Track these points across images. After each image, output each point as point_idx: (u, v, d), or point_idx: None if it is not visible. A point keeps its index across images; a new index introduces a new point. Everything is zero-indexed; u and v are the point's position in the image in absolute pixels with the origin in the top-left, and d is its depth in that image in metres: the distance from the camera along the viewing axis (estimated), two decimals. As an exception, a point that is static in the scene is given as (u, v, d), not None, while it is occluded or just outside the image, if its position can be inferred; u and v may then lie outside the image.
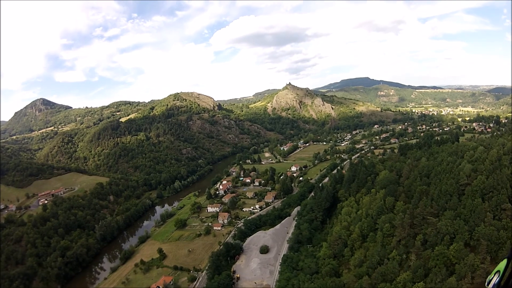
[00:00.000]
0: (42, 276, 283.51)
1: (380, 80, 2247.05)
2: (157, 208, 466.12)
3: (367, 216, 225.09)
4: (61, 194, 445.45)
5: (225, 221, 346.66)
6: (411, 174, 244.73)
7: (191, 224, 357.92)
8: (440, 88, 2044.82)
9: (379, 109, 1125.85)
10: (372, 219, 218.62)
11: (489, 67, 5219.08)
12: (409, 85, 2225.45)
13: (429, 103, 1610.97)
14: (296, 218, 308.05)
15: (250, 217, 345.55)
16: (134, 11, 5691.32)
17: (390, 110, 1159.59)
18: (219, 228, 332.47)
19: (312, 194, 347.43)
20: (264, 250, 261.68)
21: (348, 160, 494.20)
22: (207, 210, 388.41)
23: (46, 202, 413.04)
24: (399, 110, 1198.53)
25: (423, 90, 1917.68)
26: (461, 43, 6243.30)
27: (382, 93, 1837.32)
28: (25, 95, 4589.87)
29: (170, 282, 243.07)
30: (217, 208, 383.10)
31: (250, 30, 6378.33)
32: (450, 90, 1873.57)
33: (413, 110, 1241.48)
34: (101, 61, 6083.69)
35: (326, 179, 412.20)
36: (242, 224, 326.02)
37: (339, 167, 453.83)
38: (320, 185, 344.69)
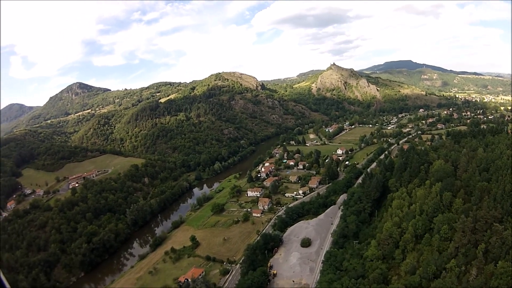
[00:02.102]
0: (65, 263, 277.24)
1: (423, 64, 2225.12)
2: (195, 190, 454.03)
3: (422, 213, 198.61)
4: (93, 177, 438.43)
5: (265, 207, 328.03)
6: (469, 167, 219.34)
7: (229, 209, 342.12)
8: (481, 74, 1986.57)
9: (423, 93, 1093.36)
10: (427, 217, 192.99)
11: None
12: (451, 70, 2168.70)
13: (471, 89, 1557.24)
14: (341, 207, 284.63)
15: (292, 204, 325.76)
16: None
17: (435, 94, 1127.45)
18: (259, 215, 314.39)
19: (360, 181, 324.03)
20: (306, 243, 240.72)
21: (396, 145, 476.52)
22: (247, 194, 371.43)
23: (76, 185, 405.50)
24: (443, 95, 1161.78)
25: (464, 76, 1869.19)
26: (498, 30, 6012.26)
27: (425, 76, 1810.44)
28: (61, 81, 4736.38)
29: (200, 275, 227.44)
30: (258, 193, 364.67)
31: (291, 11, 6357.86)
32: (490, 77, 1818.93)
33: (457, 96, 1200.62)
34: (141, 44, 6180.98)
35: (374, 165, 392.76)
36: (283, 212, 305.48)
37: (386, 152, 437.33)
38: (369, 172, 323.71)
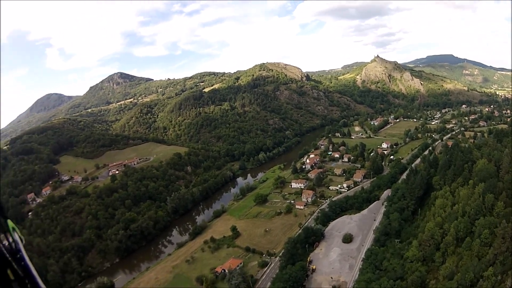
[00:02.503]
0: (100, 248, 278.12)
1: (464, 59, 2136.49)
2: (239, 180, 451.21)
3: (464, 215, 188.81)
4: (134, 164, 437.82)
5: (309, 199, 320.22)
6: (511, 168, 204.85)
7: (272, 200, 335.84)
8: None
9: (465, 88, 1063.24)
10: (469, 219, 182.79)
11: None
12: (490, 66, 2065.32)
13: (510, 86, 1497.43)
14: (385, 203, 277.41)
15: (336, 198, 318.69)
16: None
17: (476, 90, 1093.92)
18: (302, 207, 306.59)
19: (404, 177, 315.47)
20: (347, 239, 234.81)
21: (440, 141, 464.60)
22: (291, 185, 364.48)
23: (116, 172, 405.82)
24: (484, 91, 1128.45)
25: (504, 73, 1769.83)
26: None
27: (466, 72, 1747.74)
28: (102, 71, 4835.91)
29: (237, 266, 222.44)
30: (302, 184, 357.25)
31: (333, 3, 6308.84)
32: None
33: (497, 93, 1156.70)
34: (183, 35, 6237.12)
35: (418, 160, 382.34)
36: (326, 205, 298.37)
37: (430, 148, 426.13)
38: (414, 168, 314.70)
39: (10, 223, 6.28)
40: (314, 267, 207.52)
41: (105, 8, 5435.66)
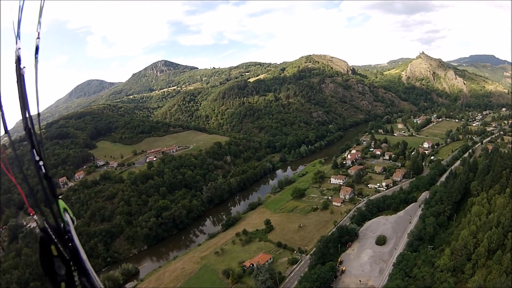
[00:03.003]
0: (128, 235, 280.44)
1: (505, 60, 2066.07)
2: (278, 172, 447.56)
3: (498, 225, 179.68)
4: (172, 152, 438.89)
5: (347, 196, 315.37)
6: None
7: (309, 195, 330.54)
8: None
9: (506, 91, 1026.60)
10: (503, 231, 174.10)
11: None
12: None
13: None
14: (422, 205, 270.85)
15: (373, 196, 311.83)
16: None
17: None
18: (339, 204, 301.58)
19: (443, 179, 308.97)
20: (381, 241, 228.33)
21: (480, 144, 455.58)
22: (330, 181, 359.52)
23: (154, 159, 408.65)
24: None
25: None
26: None
27: (507, 74, 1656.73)
28: (147, 59, 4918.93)
29: (267, 261, 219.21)
30: (341, 180, 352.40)
31: None
32: None
33: None
34: (230, 25, 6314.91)
35: (458, 163, 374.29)
36: (363, 203, 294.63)
37: (470, 151, 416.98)
38: (454, 170, 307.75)
39: (61, 203, 7.36)
40: (344, 268, 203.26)
41: None
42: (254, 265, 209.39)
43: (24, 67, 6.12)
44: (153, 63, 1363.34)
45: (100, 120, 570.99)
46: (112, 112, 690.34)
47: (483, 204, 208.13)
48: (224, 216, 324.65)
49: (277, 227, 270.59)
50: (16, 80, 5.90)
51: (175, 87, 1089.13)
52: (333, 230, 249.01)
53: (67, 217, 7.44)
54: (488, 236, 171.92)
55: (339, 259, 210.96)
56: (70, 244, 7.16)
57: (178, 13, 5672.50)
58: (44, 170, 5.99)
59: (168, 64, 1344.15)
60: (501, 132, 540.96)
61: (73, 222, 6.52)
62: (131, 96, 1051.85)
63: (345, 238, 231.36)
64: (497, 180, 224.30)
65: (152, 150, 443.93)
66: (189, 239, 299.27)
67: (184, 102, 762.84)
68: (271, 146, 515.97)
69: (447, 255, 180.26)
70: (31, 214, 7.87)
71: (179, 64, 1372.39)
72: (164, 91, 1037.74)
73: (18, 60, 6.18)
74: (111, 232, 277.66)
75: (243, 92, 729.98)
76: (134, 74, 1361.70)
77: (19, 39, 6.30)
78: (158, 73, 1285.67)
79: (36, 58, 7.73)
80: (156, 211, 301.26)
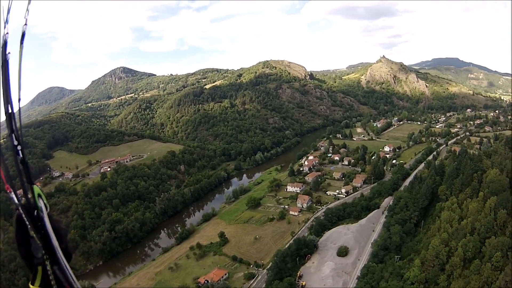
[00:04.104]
0: (83, 250, 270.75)
1: (470, 62, 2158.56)
2: (234, 181, 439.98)
3: (473, 232, 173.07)
4: (126, 161, 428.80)
5: (304, 205, 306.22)
6: None
7: (265, 205, 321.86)
8: None
9: (471, 92, 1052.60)
10: (479, 238, 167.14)
11: None
12: (495, 71, 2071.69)
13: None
14: (385, 212, 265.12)
15: (333, 204, 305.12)
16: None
17: (481, 95, 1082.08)
18: (296, 214, 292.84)
19: (406, 184, 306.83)
20: (343, 252, 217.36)
21: (445, 146, 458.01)
22: (287, 189, 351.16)
23: (108, 169, 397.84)
24: (489, 96, 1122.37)
25: (509, 78, 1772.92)
26: None
27: (472, 75, 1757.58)
28: (109, 66, 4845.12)
29: (222, 276, 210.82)
30: (298, 188, 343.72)
31: (342, 2, 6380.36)
32: None
33: (502, 98, 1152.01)
34: (191, 31, 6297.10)
35: (422, 166, 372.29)
36: (322, 212, 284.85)
37: (435, 153, 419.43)
38: (419, 175, 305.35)
39: (36, 188, 7.45)
40: (304, 283, 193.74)
41: (115, 2, 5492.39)
42: (209, 281, 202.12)
43: (9, 53, 6.61)
44: (112, 70, 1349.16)
45: (58, 129, 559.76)
46: (69, 120, 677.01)
47: (453, 209, 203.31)
48: (179, 228, 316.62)
49: (232, 239, 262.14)
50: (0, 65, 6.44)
51: (133, 94, 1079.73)
52: (291, 242, 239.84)
53: (41, 203, 7.48)
54: (463, 244, 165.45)
55: (298, 274, 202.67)
56: (43, 231, 7.23)
57: (141, 19, 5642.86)
58: (21, 155, 6.51)
59: (126, 71, 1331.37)
60: (467, 133, 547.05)
61: (46, 209, 7.46)
62: (89, 104, 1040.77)
63: (303, 250, 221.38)
64: (467, 184, 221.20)
65: (107, 160, 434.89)
66: (144, 253, 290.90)
67: (140, 110, 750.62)
68: (226, 154, 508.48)
69: (417, 266, 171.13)
70: (8, 191, 7.12)
71: (137, 71, 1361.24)
72: (121, 99, 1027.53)
73: (4, 45, 6.65)
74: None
75: (198, 99, 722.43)
76: (93, 81, 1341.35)
77: (7, 23, 6.76)
78: (116, 80, 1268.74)
79: (21, 44, 7.88)
80: (109, 225, 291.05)
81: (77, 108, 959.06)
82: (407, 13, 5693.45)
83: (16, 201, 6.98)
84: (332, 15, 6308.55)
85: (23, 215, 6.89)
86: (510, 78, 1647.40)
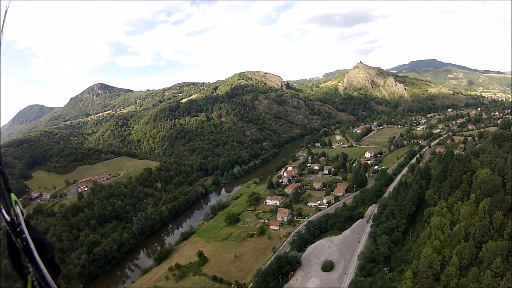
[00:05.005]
0: (63, 274, 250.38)
1: (448, 63, 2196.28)
2: (213, 195, 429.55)
3: (468, 237, 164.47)
4: (103, 180, 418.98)
5: (285, 218, 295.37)
6: None
7: (244, 220, 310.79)
8: (504, 73, 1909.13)
9: (451, 92, 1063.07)
10: (475, 243, 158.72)
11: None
12: (475, 69, 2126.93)
13: (496, 88, 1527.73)
14: (370, 221, 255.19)
15: (315, 215, 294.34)
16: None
17: (462, 94, 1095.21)
18: (277, 228, 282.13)
19: (391, 190, 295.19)
20: (328, 266, 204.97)
21: (428, 148, 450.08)
22: (266, 202, 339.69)
23: (85, 189, 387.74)
24: (470, 94, 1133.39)
25: (489, 75, 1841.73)
26: None
27: (451, 75, 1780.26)
28: (87, 82, 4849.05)
29: None
30: (278, 201, 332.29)
31: (318, 10, 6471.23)
32: None
33: (483, 95, 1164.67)
34: (167, 45, 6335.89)
35: (405, 170, 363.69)
36: (303, 226, 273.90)
37: (418, 156, 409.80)
38: (404, 180, 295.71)
39: (13, 196, 7.39)
40: None
41: (93, 17, 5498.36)
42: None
43: None
44: (90, 86, 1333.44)
45: (36, 148, 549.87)
46: (48, 139, 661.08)
47: (443, 214, 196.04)
48: (158, 247, 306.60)
49: (211, 258, 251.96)
50: None
51: (110, 111, 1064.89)
52: (272, 259, 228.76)
53: (17, 210, 7.33)
54: (458, 251, 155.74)
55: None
56: (23, 235, 7.10)
57: (119, 34, 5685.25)
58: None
59: (104, 87, 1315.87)
60: (450, 133, 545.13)
61: (22, 214, 7.22)
62: (68, 122, 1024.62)
63: (286, 268, 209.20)
64: (456, 186, 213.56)
65: (84, 180, 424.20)
66: (124, 274, 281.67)
67: (116, 127, 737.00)
68: (203, 169, 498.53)
69: (410, 278, 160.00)
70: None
71: (114, 87, 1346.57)
72: (99, 116, 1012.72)
73: None
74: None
75: (174, 114, 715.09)
76: (72, 98, 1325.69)
77: None
78: (94, 97, 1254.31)
79: None
80: (87, 247, 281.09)
81: (56, 126, 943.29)
82: (384, 18, 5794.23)
83: (5, 217, 6.09)
84: (307, 24, 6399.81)
85: (9, 231, 6.96)
86: (492, 75, 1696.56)
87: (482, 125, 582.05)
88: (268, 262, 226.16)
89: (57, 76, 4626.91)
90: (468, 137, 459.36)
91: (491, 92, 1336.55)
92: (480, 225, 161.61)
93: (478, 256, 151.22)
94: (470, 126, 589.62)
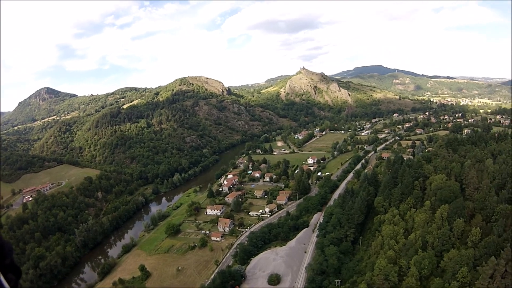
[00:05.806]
0: None
1: (394, 69, 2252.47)
2: (153, 205, 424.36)
3: (425, 246, 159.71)
4: (46, 190, 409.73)
5: (226, 229, 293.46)
6: (481, 184, 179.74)
7: (185, 231, 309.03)
8: (454, 78, 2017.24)
9: (397, 97, 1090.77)
10: (434, 252, 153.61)
11: (502, 59, 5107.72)
12: (423, 74, 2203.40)
13: (445, 93, 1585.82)
14: (316, 230, 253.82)
15: (257, 225, 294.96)
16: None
17: (408, 99, 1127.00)
18: (218, 239, 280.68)
19: (336, 197, 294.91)
20: (274, 280, 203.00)
21: (373, 153, 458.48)
22: (207, 212, 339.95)
23: (30, 199, 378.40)
24: (417, 99, 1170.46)
25: (438, 80, 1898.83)
26: (474, 34, 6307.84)
27: (397, 81, 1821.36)
28: (37, 85, 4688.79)
29: None
30: (218, 211, 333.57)
31: (263, 17, 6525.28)
32: (465, 81, 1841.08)
33: (431, 100, 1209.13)
34: (113, 49, 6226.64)
35: (350, 176, 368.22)
36: (246, 238, 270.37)
37: (363, 161, 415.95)
38: (350, 187, 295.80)
39: None
40: None
41: (44, 18, 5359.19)
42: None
43: None
44: (37, 90, 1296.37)
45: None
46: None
47: (396, 222, 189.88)
48: (102, 260, 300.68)
49: (154, 272, 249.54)
50: None
51: (55, 116, 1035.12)
52: (215, 274, 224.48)
53: None
54: (416, 261, 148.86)
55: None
56: None
57: (68, 36, 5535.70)
58: None
59: (50, 91, 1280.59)
60: (397, 137, 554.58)
61: None
62: (16, 128, 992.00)
63: (230, 283, 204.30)
64: (408, 193, 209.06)
65: (28, 189, 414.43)
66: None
67: (60, 133, 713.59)
68: (143, 177, 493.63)
69: None
70: None
71: (60, 92, 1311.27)
72: (45, 121, 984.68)
73: None
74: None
75: (115, 120, 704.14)
76: (20, 103, 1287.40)
77: None
78: (40, 101, 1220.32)
79: None
80: (34, 261, 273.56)
81: (5, 132, 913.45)
82: (330, 24, 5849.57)
83: None
84: (252, 29, 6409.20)
85: None
86: (440, 80, 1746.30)
87: (431, 129, 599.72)
88: (212, 277, 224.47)
89: (8, 79, 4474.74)
90: (416, 141, 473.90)
91: (440, 96, 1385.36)
92: (439, 233, 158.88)
93: (439, 265, 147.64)
94: (418, 130, 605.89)
